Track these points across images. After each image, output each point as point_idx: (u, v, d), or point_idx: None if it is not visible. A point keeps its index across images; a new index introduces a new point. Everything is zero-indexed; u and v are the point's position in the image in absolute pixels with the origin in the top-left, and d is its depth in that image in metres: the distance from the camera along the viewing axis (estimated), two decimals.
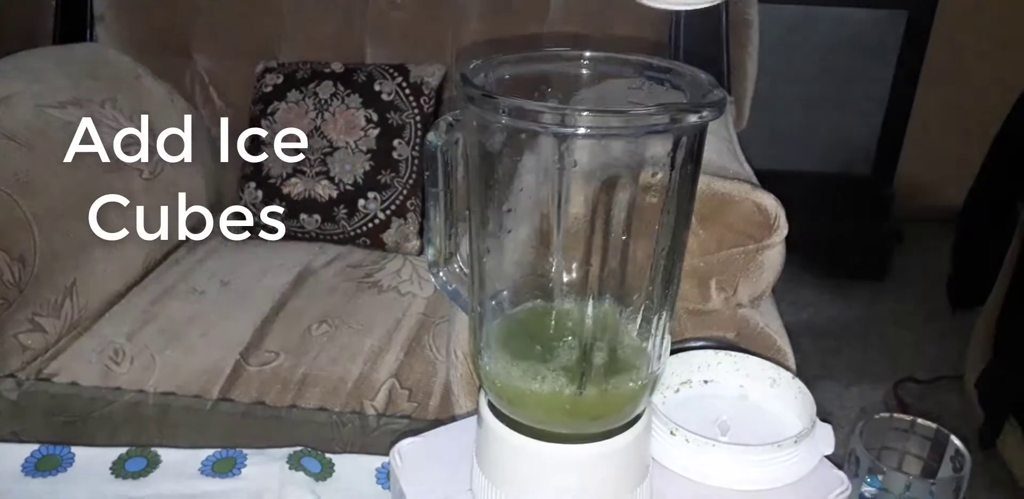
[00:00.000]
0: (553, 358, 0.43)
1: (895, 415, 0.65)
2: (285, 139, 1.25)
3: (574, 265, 0.45)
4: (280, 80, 1.30)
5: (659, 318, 0.45)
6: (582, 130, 0.37)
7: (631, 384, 0.44)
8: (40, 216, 0.99)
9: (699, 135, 0.41)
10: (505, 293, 0.47)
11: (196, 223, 1.33)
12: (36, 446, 0.71)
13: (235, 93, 1.38)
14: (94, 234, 1.06)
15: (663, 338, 0.45)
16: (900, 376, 1.76)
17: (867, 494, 0.62)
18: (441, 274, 0.51)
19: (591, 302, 0.43)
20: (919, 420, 0.65)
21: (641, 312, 0.45)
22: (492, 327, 0.46)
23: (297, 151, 1.25)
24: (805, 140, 2.25)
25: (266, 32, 1.37)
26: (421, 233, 1.26)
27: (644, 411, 0.47)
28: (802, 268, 2.12)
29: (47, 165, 1.04)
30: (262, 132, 1.27)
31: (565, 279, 0.45)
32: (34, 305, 0.98)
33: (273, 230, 1.27)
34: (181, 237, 1.27)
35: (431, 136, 0.46)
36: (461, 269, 0.51)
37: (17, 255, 0.95)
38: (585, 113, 0.36)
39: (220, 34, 1.38)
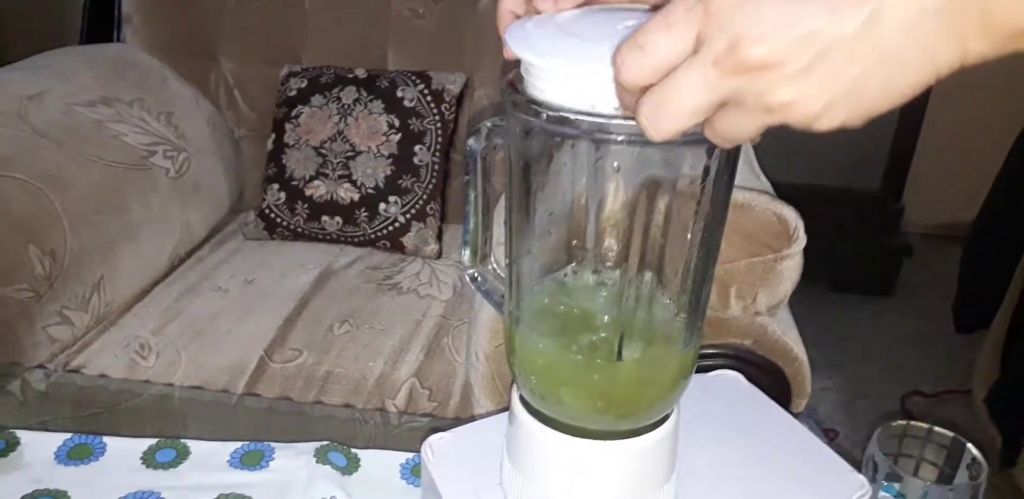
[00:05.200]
0: (589, 335, 0.45)
1: (912, 422, 0.66)
2: (309, 143, 1.27)
3: (609, 266, 0.47)
4: (304, 84, 1.32)
5: (691, 322, 0.46)
6: (621, 137, 0.38)
7: (665, 370, 0.45)
8: (70, 211, 1.01)
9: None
10: (542, 290, 0.48)
11: (220, 222, 1.35)
12: (69, 435, 0.73)
13: (259, 96, 1.41)
14: (121, 230, 1.08)
15: (695, 336, 0.47)
16: (907, 390, 1.77)
17: None
18: (476, 274, 0.53)
19: (627, 295, 0.45)
20: (936, 428, 0.66)
21: (675, 312, 0.46)
22: (528, 315, 0.47)
23: (320, 154, 1.27)
24: (815, 154, 2.26)
25: (290, 37, 1.39)
26: (440, 237, 1.28)
27: (673, 412, 0.49)
28: (809, 282, 2.13)
29: (77, 162, 1.06)
30: (286, 135, 1.30)
31: (601, 278, 0.47)
32: (63, 299, 1.00)
33: (294, 231, 1.29)
34: (203, 235, 1.29)
35: (472, 142, 0.47)
36: (495, 270, 0.53)
37: (48, 249, 0.97)
38: (624, 121, 0.38)
39: (245, 38, 1.41)
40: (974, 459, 0.63)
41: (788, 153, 2.11)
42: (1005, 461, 1.39)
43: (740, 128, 0.33)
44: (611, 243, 0.46)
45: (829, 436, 1.51)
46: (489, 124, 0.47)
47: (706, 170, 0.43)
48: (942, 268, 2.05)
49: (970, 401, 1.64)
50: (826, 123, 0.31)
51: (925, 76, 0.30)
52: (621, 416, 0.47)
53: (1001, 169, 1.62)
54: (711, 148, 0.42)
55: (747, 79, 0.30)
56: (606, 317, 0.47)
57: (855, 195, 2.28)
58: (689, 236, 0.44)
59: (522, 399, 0.49)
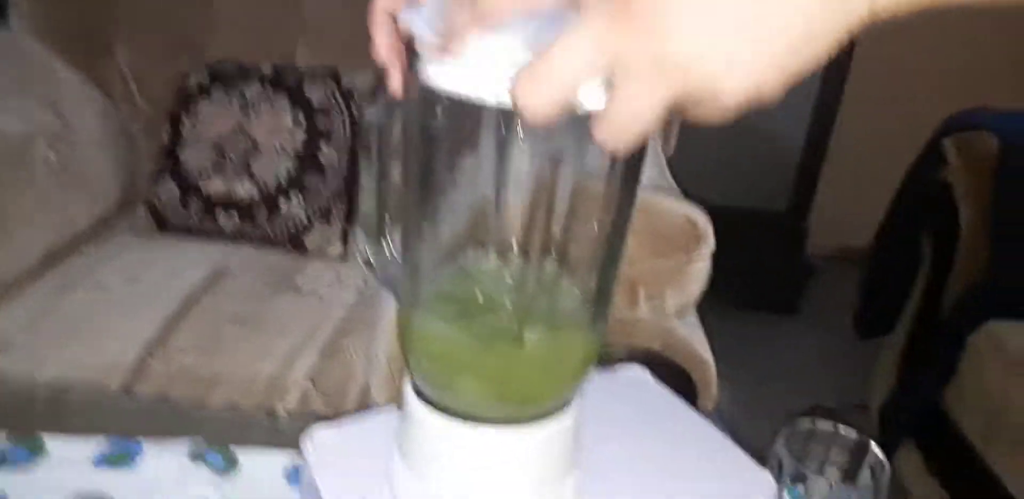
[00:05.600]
0: (488, 319, 0.42)
1: (818, 421, 0.65)
2: (206, 137, 1.21)
3: (511, 248, 0.43)
4: (205, 78, 1.26)
5: (595, 308, 0.44)
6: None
7: (565, 356, 0.42)
8: None
9: None
10: (440, 273, 0.45)
11: (106, 217, 1.27)
12: None
13: (157, 89, 1.33)
14: None
15: (599, 322, 0.44)
16: (811, 405, 1.79)
17: None
18: (372, 259, 0.49)
19: (529, 278, 0.41)
20: (841, 427, 0.65)
21: (577, 297, 0.44)
22: (426, 299, 0.44)
23: (218, 150, 1.21)
24: (724, 174, 2.30)
25: (194, 27, 1.33)
26: (345, 238, 1.23)
27: (574, 402, 0.46)
28: (716, 299, 2.16)
29: None
30: (184, 128, 1.23)
31: (502, 261, 0.43)
32: None
33: (187, 228, 1.22)
34: (86, 229, 1.21)
35: (370, 112, 0.44)
36: (392, 255, 0.49)
37: None
38: None
39: (145, 28, 1.34)
40: (877, 459, 0.62)
41: (698, 173, 2.14)
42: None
43: (636, 105, 0.29)
44: (514, 225, 0.43)
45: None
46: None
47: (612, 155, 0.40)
48: (845, 288, 2.09)
49: (868, 415, 1.67)
50: (735, 85, 0.28)
51: (834, 28, 0.28)
52: (520, 403, 0.43)
53: (905, 175, 1.67)
54: None
55: (634, 36, 0.27)
56: (506, 300, 0.43)
57: (763, 215, 2.33)
58: (595, 219, 0.42)
59: (415, 387, 0.45)
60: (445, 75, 0.35)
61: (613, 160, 0.39)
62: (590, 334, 0.43)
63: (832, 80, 2.16)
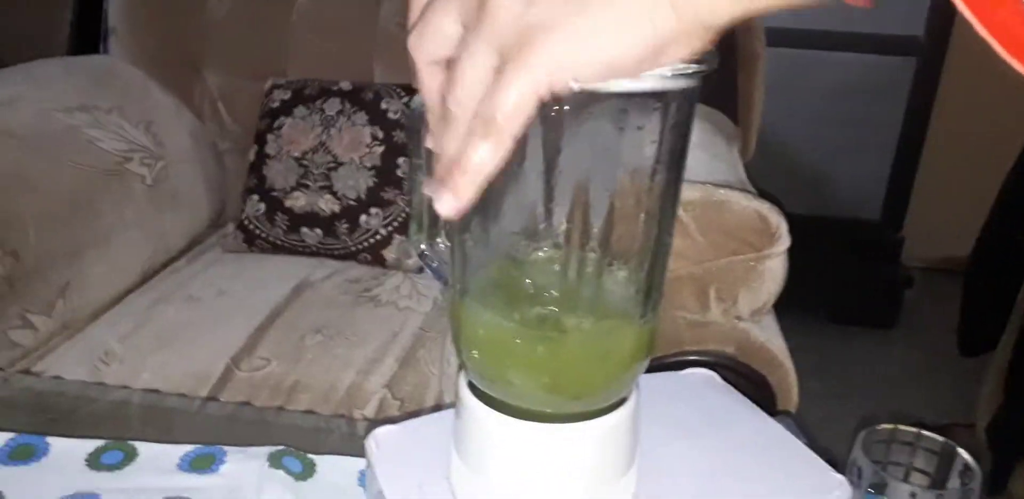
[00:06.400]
0: (537, 307, 0.42)
1: (899, 427, 0.62)
2: (290, 154, 1.25)
3: (559, 235, 0.43)
4: (288, 96, 1.31)
5: (646, 295, 0.43)
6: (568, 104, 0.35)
7: (616, 345, 0.42)
8: (37, 214, 0.98)
9: (691, 94, 0.39)
10: (489, 262, 0.45)
11: (197, 234, 1.32)
12: (12, 435, 0.70)
13: (243, 108, 1.39)
14: (91, 235, 1.05)
15: (651, 311, 0.43)
16: (910, 423, 1.71)
17: None
18: (425, 250, 0.49)
19: (577, 265, 0.41)
20: (924, 432, 0.62)
21: (628, 284, 0.43)
22: (475, 288, 0.44)
23: (302, 166, 1.25)
24: (814, 184, 2.24)
25: (276, 49, 1.38)
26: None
27: (631, 397, 0.45)
28: (809, 313, 2.10)
29: (48, 165, 1.04)
30: (267, 146, 1.28)
31: (550, 248, 0.43)
32: (25, 301, 0.96)
33: (273, 243, 1.26)
34: (181, 246, 1.26)
35: (415, 100, 0.44)
36: (445, 244, 0.49)
37: (10, 249, 0.94)
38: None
39: (231, 51, 1.40)
40: (966, 465, 0.59)
41: (789, 183, 2.10)
42: (995, 488, 1.34)
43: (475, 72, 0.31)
44: (561, 215, 0.43)
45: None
46: None
47: (660, 134, 0.40)
48: (944, 301, 2.01)
49: (973, 434, 1.59)
50: (596, 55, 0.30)
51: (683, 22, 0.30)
52: (571, 396, 0.43)
53: (1002, 185, 1.60)
54: (665, 108, 0.39)
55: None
56: (555, 290, 0.43)
57: (855, 225, 2.26)
58: (642, 209, 0.41)
59: (470, 384, 0.46)
60: None
61: (658, 149, 0.39)
62: (640, 326, 0.43)
63: (925, 81, 2.09)
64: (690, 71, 0.36)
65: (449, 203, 0.34)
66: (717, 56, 0.38)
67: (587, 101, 0.36)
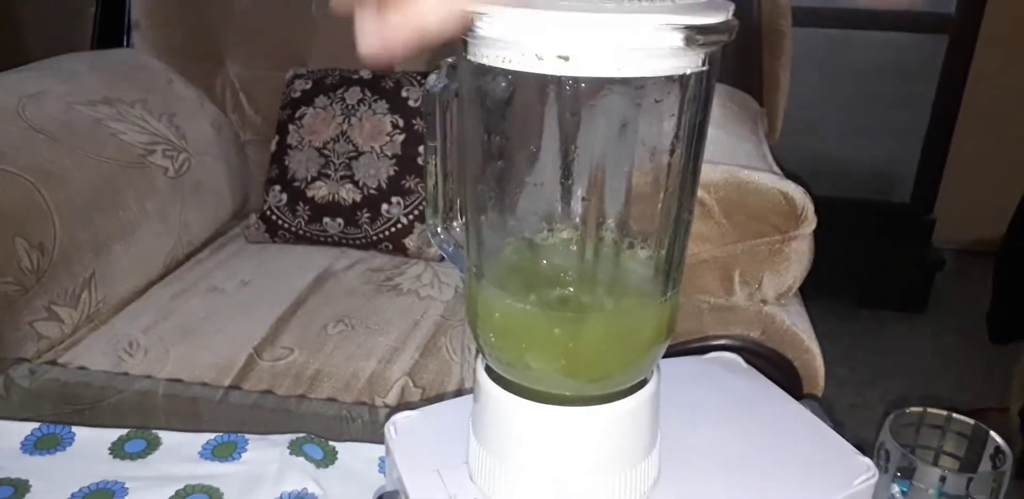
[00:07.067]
0: (554, 288, 0.41)
1: (929, 409, 0.61)
2: (311, 144, 1.25)
3: (575, 214, 0.42)
4: (309, 86, 1.30)
5: (665, 275, 0.42)
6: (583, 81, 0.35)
7: (635, 326, 0.41)
8: (62, 207, 0.99)
9: (711, 65, 0.38)
10: (505, 244, 0.44)
11: (220, 225, 1.33)
12: (36, 425, 0.70)
13: (264, 99, 1.39)
14: (115, 228, 1.06)
15: (671, 291, 0.42)
16: (941, 407, 1.69)
17: (896, 495, 0.58)
18: (441, 233, 0.49)
19: (593, 245, 0.40)
20: (955, 415, 0.60)
21: (646, 264, 0.42)
22: (491, 270, 0.43)
23: (323, 155, 1.25)
24: (844, 166, 2.21)
25: (297, 40, 1.38)
26: None
27: (652, 380, 0.44)
28: (838, 298, 2.07)
29: (73, 158, 1.05)
30: (289, 136, 1.28)
31: (566, 228, 0.42)
32: (51, 294, 0.97)
33: (296, 233, 1.26)
34: (204, 237, 1.27)
35: (431, 80, 0.43)
36: (459, 228, 0.49)
37: (36, 242, 0.95)
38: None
39: (252, 42, 1.40)
40: (997, 448, 0.58)
41: (818, 165, 2.06)
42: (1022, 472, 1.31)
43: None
44: (578, 194, 0.42)
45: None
46: (451, 61, 0.43)
47: (680, 106, 0.39)
48: (975, 284, 1.97)
49: (1007, 418, 1.57)
50: None
51: None
52: (589, 378, 0.42)
53: None
54: (683, 84, 0.38)
55: None
56: (572, 271, 0.42)
57: (885, 208, 2.22)
58: (661, 188, 0.40)
59: (487, 368, 0.45)
60: (488, 52, 0.34)
61: (677, 122, 0.38)
62: (660, 306, 0.42)
63: (957, 60, 2.05)
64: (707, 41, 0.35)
65: (371, 45, 0.32)
66: (736, 22, 0.36)
67: (603, 84, 0.35)
